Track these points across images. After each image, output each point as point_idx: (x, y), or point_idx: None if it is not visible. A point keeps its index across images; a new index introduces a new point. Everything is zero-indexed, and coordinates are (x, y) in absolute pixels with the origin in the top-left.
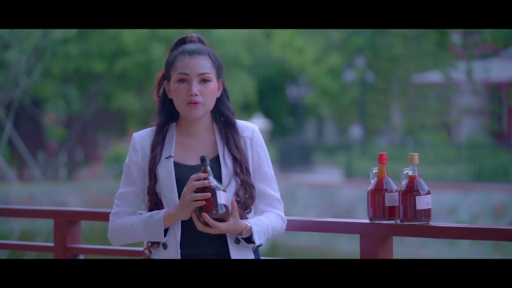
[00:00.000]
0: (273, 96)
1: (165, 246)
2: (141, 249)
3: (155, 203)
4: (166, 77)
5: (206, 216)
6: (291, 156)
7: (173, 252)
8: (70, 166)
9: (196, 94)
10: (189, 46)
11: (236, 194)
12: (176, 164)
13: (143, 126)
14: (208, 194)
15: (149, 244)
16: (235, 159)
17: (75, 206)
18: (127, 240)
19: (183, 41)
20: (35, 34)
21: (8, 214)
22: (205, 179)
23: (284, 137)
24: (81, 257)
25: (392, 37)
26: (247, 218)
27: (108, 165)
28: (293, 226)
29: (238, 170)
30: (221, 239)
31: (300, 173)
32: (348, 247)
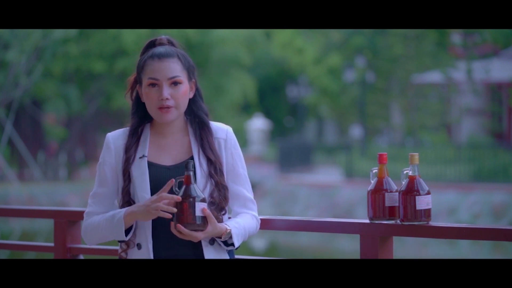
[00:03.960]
0: (273, 96)
1: (139, 246)
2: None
3: (127, 202)
4: (138, 80)
5: (181, 227)
6: (291, 156)
7: (145, 252)
8: (70, 166)
9: (167, 98)
10: (158, 49)
11: (211, 195)
12: (150, 164)
13: None
14: (174, 210)
15: (124, 247)
16: (209, 161)
17: (75, 206)
18: (97, 240)
19: (152, 44)
20: (35, 34)
21: (8, 214)
22: (187, 185)
23: (284, 137)
24: (81, 257)
25: (392, 37)
26: (222, 220)
27: None
28: (293, 226)
29: (213, 171)
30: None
31: (300, 173)
32: (348, 247)
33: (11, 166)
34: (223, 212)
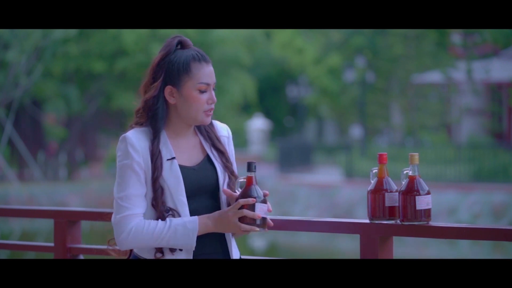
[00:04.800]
0: (273, 96)
1: (173, 250)
2: (113, 247)
3: (160, 211)
4: (171, 81)
5: (244, 226)
6: (291, 156)
7: (184, 253)
8: (70, 166)
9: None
10: (199, 53)
11: (228, 186)
12: (179, 166)
13: None
14: (255, 229)
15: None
16: (221, 153)
17: (75, 206)
18: (145, 246)
19: (184, 44)
20: (35, 34)
21: (8, 214)
22: (249, 185)
23: (284, 137)
24: (81, 257)
25: (392, 37)
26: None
27: (108, 165)
28: (293, 226)
29: (226, 163)
30: (222, 235)
31: (300, 173)
32: (348, 247)
33: (11, 166)
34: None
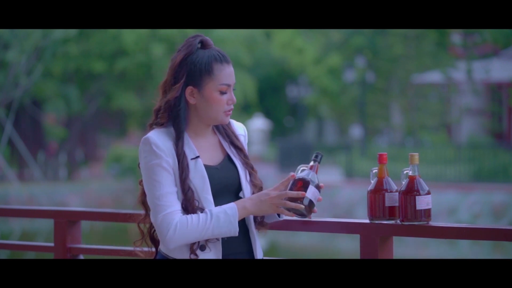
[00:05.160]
0: (273, 96)
1: (203, 248)
2: (141, 249)
3: (194, 211)
4: (192, 82)
5: (288, 203)
6: (291, 156)
7: (214, 253)
8: (70, 166)
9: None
10: (220, 53)
11: (251, 181)
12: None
13: (143, 126)
14: (302, 207)
15: (195, 248)
16: (239, 150)
17: (75, 206)
18: (192, 240)
19: (205, 44)
20: (35, 34)
21: (8, 214)
22: (309, 171)
23: (284, 137)
24: (81, 257)
25: (392, 37)
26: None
27: (108, 165)
28: (293, 226)
29: (245, 159)
30: (246, 235)
31: None
32: (348, 247)
33: (11, 166)
34: None
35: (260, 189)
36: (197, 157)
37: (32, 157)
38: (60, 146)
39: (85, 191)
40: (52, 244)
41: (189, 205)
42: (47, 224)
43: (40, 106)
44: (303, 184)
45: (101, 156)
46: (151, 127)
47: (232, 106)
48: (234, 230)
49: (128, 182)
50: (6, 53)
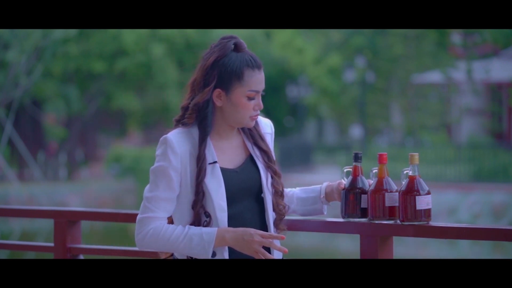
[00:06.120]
0: (273, 96)
1: (213, 254)
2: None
3: (198, 214)
4: (221, 85)
5: (273, 244)
6: (291, 156)
7: (221, 253)
8: (70, 166)
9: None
10: (253, 58)
11: (272, 185)
12: (220, 169)
13: (143, 126)
14: (271, 257)
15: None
16: (263, 152)
17: (75, 206)
18: (161, 250)
19: (238, 47)
20: (35, 34)
21: (8, 214)
22: (355, 176)
23: (284, 137)
24: (81, 257)
25: (392, 37)
26: (285, 206)
27: (108, 165)
28: (293, 226)
29: (268, 161)
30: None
31: (300, 173)
32: (348, 247)
33: (11, 166)
34: (283, 198)
35: (281, 195)
36: (215, 162)
37: (32, 157)
38: (60, 146)
39: (85, 191)
40: (52, 244)
41: (196, 207)
42: (47, 224)
43: (40, 106)
44: (355, 196)
45: (101, 156)
46: (177, 124)
47: (258, 112)
48: (206, 255)
49: (128, 182)
50: (6, 53)
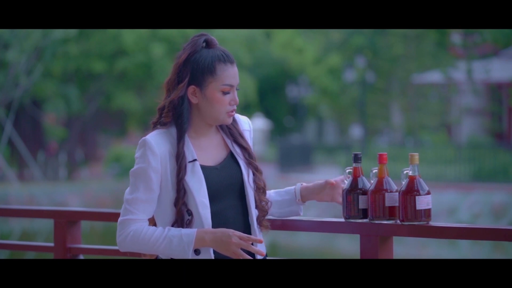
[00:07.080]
0: (273, 96)
1: (197, 252)
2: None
3: (180, 212)
4: (195, 81)
5: (251, 247)
6: (291, 156)
7: (206, 256)
8: (70, 166)
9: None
10: (224, 53)
11: (254, 181)
12: (200, 167)
13: (143, 126)
14: (248, 257)
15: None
16: (243, 149)
17: (75, 206)
18: (142, 251)
19: (209, 43)
20: (35, 34)
21: (8, 214)
22: (355, 177)
23: (284, 137)
24: (81, 257)
25: (392, 37)
26: (267, 203)
27: (108, 165)
28: (293, 226)
29: (248, 157)
30: (248, 233)
31: (300, 173)
32: (348, 247)
33: (11, 166)
34: (265, 194)
35: (263, 191)
36: (194, 160)
37: (32, 157)
38: (60, 146)
39: (85, 191)
40: (52, 244)
41: (178, 205)
42: (47, 224)
43: (40, 106)
44: (353, 198)
45: (101, 156)
46: (154, 126)
47: (234, 107)
48: (186, 256)
49: (128, 182)
50: (6, 53)
